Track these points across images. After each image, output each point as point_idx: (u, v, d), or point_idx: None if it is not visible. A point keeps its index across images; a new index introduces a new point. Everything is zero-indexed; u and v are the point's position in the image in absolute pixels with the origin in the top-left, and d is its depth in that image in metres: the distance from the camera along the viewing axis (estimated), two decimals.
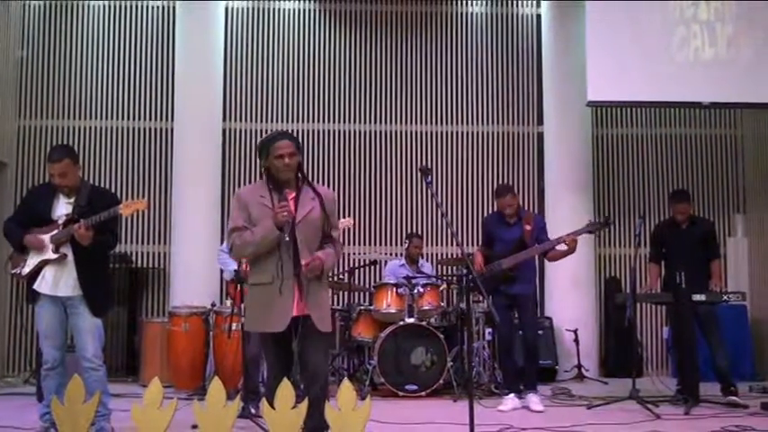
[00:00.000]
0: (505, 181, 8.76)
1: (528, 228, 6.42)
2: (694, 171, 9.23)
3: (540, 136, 9.07)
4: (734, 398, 6.36)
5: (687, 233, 6.78)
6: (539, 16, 9.21)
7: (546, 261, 7.05)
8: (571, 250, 6.29)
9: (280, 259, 3.85)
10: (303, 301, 3.87)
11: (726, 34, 8.15)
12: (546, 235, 6.51)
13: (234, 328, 6.15)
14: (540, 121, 9.08)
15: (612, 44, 8.11)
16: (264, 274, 3.90)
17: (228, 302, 6.66)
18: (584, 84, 8.16)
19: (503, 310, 6.39)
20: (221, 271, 6.69)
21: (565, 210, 8.32)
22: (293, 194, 3.96)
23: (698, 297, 6.29)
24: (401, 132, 9.09)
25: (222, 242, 6.41)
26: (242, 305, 5.71)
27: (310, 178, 4.18)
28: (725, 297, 6.40)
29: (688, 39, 8.15)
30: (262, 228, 3.87)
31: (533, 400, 6.27)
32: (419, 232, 8.55)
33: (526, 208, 8.74)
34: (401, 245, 8.43)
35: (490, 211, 8.85)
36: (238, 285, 5.73)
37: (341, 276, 7.88)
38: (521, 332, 6.49)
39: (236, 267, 5.99)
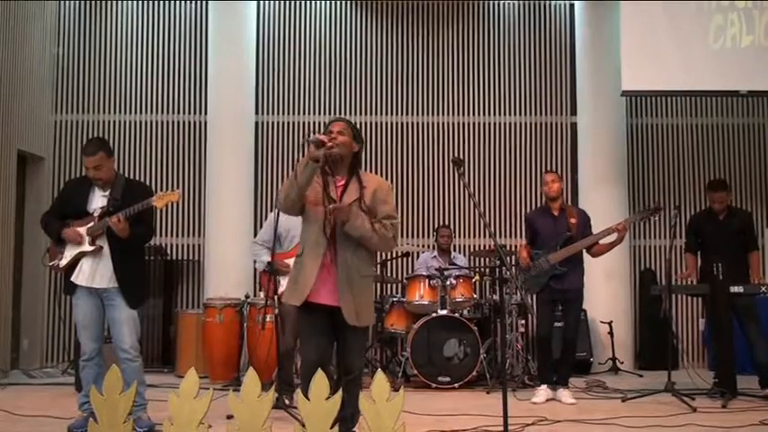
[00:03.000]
0: (539, 172, 8.75)
1: (573, 221, 6.37)
2: (731, 161, 9.08)
3: (574, 126, 8.99)
4: None
5: (725, 224, 6.68)
6: (572, 6, 9.11)
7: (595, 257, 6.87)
8: (620, 240, 6.23)
9: (318, 235, 3.81)
10: (339, 292, 3.80)
11: (764, 21, 7.99)
12: (591, 230, 6.45)
13: (268, 319, 6.19)
14: (574, 112, 8.99)
15: (647, 33, 8.00)
16: (300, 247, 3.95)
17: (261, 294, 6.70)
18: (618, 73, 8.07)
19: (546, 305, 6.37)
20: (254, 263, 6.74)
21: (599, 201, 8.23)
22: (342, 181, 3.95)
23: (735, 289, 6.20)
24: (434, 124, 9.06)
25: (255, 235, 6.45)
26: (275, 297, 5.75)
27: None
28: (763, 289, 6.29)
29: (725, 26, 8.01)
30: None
31: (565, 394, 6.24)
32: (450, 224, 8.54)
33: None
34: (433, 237, 8.42)
35: (524, 202, 8.84)
36: (271, 276, 5.75)
37: (373, 268, 7.87)
38: (561, 324, 6.45)
39: (269, 259, 6.02)
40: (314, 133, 3.82)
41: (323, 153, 3.73)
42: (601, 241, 6.38)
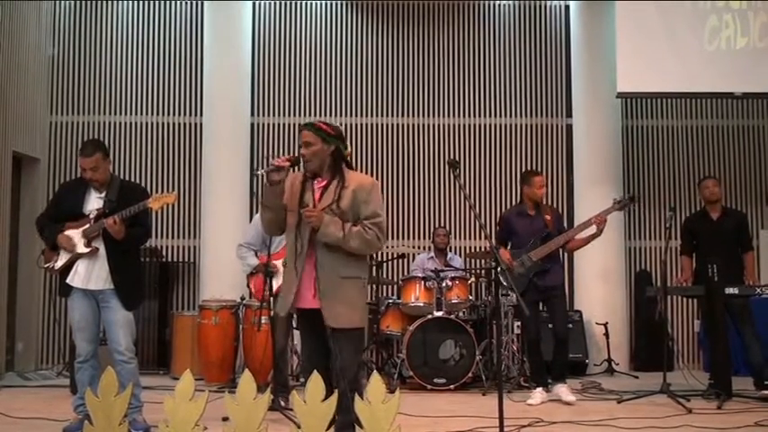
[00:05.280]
0: None
1: (548, 218, 6.40)
2: (726, 163, 9.10)
3: (569, 128, 9.00)
4: (767, 392, 6.27)
5: (719, 225, 6.69)
6: (567, 7, 9.12)
7: (572, 253, 6.92)
8: (599, 232, 6.25)
9: (295, 240, 3.82)
10: (318, 295, 3.79)
11: (759, 23, 8.02)
12: (564, 225, 6.50)
13: (263, 321, 6.18)
14: (569, 113, 9.00)
15: (642, 35, 8.03)
16: (287, 257, 3.97)
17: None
18: (613, 75, 8.10)
19: (531, 305, 6.36)
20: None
21: (594, 203, 8.19)
22: (323, 183, 3.91)
23: (730, 290, 6.21)
24: (429, 125, 9.07)
25: (243, 237, 6.42)
26: (271, 298, 5.75)
27: None
28: (758, 290, 6.31)
29: (720, 28, 8.04)
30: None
31: (563, 391, 6.22)
32: (447, 225, 8.56)
33: (554, 201, 8.73)
34: (428, 238, 8.43)
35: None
36: (266, 278, 5.73)
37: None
38: (550, 325, 6.47)
39: (256, 262, 6.01)
40: (263, 165, 3.89)
41: (284, 175, 3.81)
42: (578, 235, 6.41)
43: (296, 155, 3.92)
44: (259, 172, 3.80)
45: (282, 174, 3.78)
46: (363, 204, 3.87)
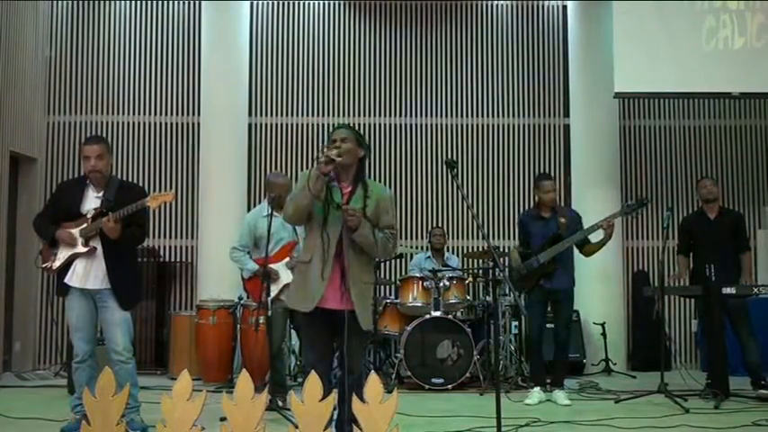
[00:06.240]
0: (532, 173, 8.74)
1: (563, 221, 6.39)
2: (723, 163, 9.11)
3: (567, 128, 9.01)
4: (764, 392, 6.28)
5: (716, 225, 6.71)
6: (565, 8, 9.13)
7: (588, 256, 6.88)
8: (608, 237, 6.24)
9: (323, 239, 3.80)
10: (346, 295, 3.81)
11: (756, 23, 8.02)
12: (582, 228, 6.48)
13: (261, 321, 6.18)
14: (567, 113, 9.01)
15: (640, 35, 8.04)
16: (306, 253, 3.91)
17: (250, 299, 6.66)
18: (611, 75, 8.09)
19: (537, 305, 6.38)
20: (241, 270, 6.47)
21: (592, 202, 8.25)
22: (348, 188, 3.93)
23: (727, 290, 6.21)
24: (427, 125, 9.06)
25: (237, 240, 6.34)
26: (268, 300, 5.73)
27: None
28: (755, 290, 6.31)
29: (717, 28, 8.04)
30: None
31: (560, 396, 6.24)
32: (444, 225, 8.57)
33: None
34: (426, 238, 8.43)
35: (517, 204, 8.85)
36: (263, 282, 5.70)
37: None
38: (552, 326, 6.47)
39: (256, 266, 5.98)
40: (321, 150, 3.82)
41: (331, 168, 3.77)
42: (591, 240, 6.39)
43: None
44: (321, 159, 3.75)
45: (330, 166, 3.77)
46: (384, 214, 3.94)
